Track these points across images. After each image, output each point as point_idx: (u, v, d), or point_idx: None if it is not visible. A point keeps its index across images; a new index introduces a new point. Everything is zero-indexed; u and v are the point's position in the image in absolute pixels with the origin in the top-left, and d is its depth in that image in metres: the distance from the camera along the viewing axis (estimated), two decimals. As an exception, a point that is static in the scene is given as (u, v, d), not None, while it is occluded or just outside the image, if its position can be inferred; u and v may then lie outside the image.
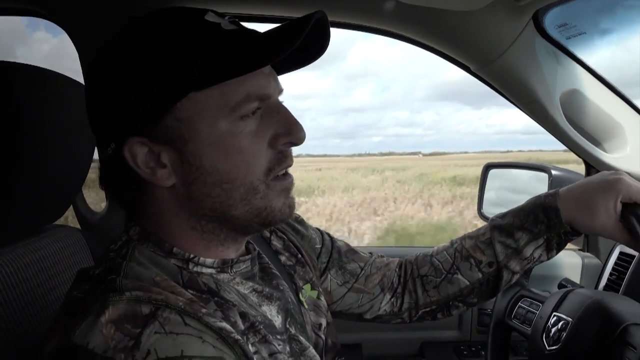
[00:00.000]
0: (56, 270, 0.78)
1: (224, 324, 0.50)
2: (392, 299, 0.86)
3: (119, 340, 0.44)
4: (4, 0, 1.06)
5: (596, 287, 1.35)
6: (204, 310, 0.50)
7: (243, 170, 0.55)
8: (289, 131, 0.57)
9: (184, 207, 0.57)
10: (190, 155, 0.54)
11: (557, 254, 0.80)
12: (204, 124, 0.53)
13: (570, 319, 0.89)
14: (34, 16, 1.08)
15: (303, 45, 0.56)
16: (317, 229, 0.86)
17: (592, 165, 1.28)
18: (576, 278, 1.41)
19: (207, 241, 0.59)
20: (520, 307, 1.08)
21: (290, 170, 0.61)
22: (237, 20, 0.57)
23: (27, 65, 0.70)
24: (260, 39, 0.54)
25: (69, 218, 1.12)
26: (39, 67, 0.72)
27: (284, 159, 0.58)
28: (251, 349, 0.52)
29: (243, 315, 0.56)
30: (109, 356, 0.43)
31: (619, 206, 0.72)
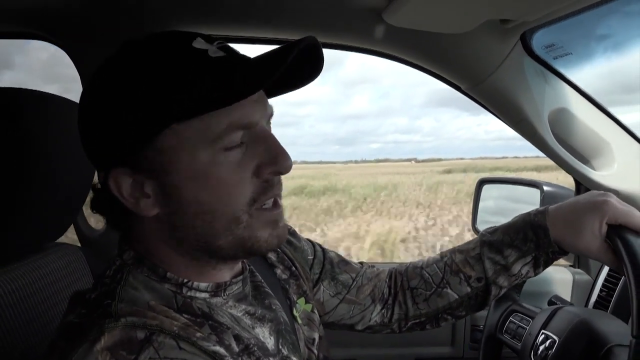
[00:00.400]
0: (56, 288, 0.79)
1: (218, 348, 0.51)
2: (383, 310, 0.87)
3: None
4: (3, 24, 1.08)
5: (587, 303, 1.36)
6: (198, 334, 0.51)
7: (224, 201, 0.54)
8: (275, 161, 0.55)
9: (171, 236, 0.57)
10: (171, 186, 0.54)
11: (543, 270, 0.81)
12: (185, 155, 0.52)
13: (557, 338, 0.91)
14: (35, 39, 1.09)
15: (296, 68, 0.57)
16: (308, 240, 0.87)
17: (581, 183, 1.30)
18: (567, 294, 1.43)
19: (199, 267, 0.59)
20: (511, 321, 1.09)
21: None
22: (226, 45, 0.56)
23: (32, 90, 0.73)
24: (243, 68, 0.53)
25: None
26: (43, 92, 0.75)
27: (270, 188, 0.56)
28: None
29: (237, 338, 0.56)
30: None
31: (604, 227, 0.73)
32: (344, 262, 0.88)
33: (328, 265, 0.85)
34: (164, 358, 0.46)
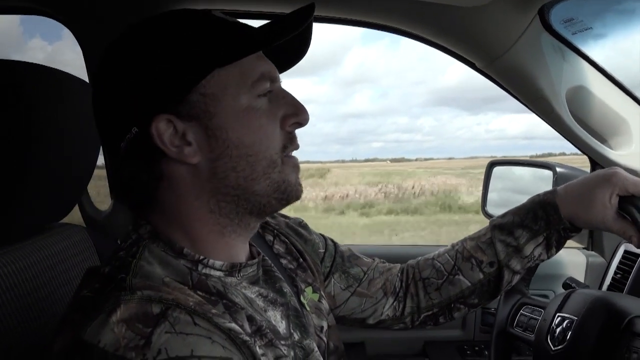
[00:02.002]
0: (61, 268, 0.78)
1: (233, 325, 0.50)
2: (395, 303, 0.86)
3: (130, 339, 0.44)
4: None
5: (600, 286, 1.34)
6: (213, 311, 0.50)
7: (265, 144, 0.58)
8: (296, 112, 0.61)
9: (205, 187, 0.58)
10: (217, 129, 0.56)
11: (556, 252, 0.81)
12: (227, 99, 0.56)
13: (575, 317, 0.89)
14: (38, 14, 1.07)
15: (285, 46, 0.61)
16: (320, 234, 0.87)
17: (597, 162, 1.27)
18: (581, 277, 1.41)
19: (221, 227, 0.60)
20: (522, 314, 1.08)
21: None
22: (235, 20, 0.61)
23: (33, 64, 0.70)
24: (265, 26, 0.58)
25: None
26: (46, 65, 0.72)
27: (293, 139, 0.62)
28: (258, 351, 0.52)
29: (250, 319, 0.56)
30: (120, 354, 0.43)
31: (616, 199, 0.74)
32: (355, 256, 0.88)
33: (339, 258, 0.85)
34: (179, 333, 0.46)
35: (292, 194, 0.62)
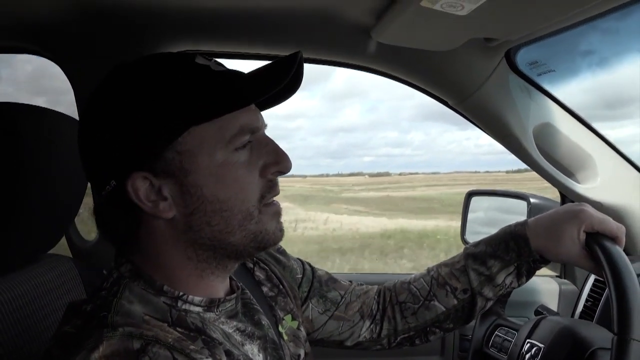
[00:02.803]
0: (49, 298, 0.80)
1: None
2: (372, 326, 0.88)
3: None
4: None
5: (573, 313, 1.38)
6: (192, 347, 0.52)
7: (240, 198, 0.58)
8: (278, 160, 0.61)
9: (181, 238, 0.59)
10: (192, 185, 0.57)
11: (527, 280, 0.84)
12: (203, 155, 0.56)
13: (542, 345, 0.93)
14: (28, 54, 1.11)
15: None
16: (298, 259, 0.89)
17: (566, 195, 1.33)
18: (554, 304, 1.45)
19: (200, 270, 0.61)
20: (497, 335, 1.11)
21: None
22: (221, 63, 0.62)
23: (24, 104, 0.74)
24: (248, 79, 0.59)
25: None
26: (38, 106, 0.76)
27: (273, 187, 0.62)
28: None
29: (228, 354, 0.57)
30: None
31: (583, 235, 0.77)
32: (333, 280, 0.90)
33: (317, 283, 0.87)
34: None
35: (270, 241, 0.62)
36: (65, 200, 0.83)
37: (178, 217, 0.58)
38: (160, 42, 1.08)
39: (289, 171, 0.63)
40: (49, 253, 0.87)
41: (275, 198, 0.63)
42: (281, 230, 0.64)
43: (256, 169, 0.60)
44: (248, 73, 0.60)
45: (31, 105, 0.76)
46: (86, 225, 1.30)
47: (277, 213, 0.63)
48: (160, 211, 0.57)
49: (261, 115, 0.63)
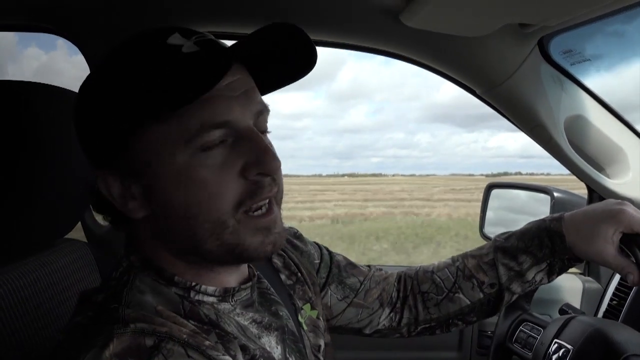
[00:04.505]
0: (65, 284, 0.79)
1: (227, 357, 0.50)
2: (392, 314, 0.86)
3: None
4: (12, 17, 1.07)
5: (596, 312, 1.34)
6: (207, 343, 0.50)
7: (206, 205, 0.52)
8: (259, 160, 0.53)
9: (162, 238, 0.57)
10: (154, 188, 0.53)
11: (556, 277, 0.81)
12: (163, 156, 0.52)
13: (571, 347, 0.89)
14: (43, 32, 1.08)
15: (287, 61, 0.58)
16: (315, 243, 0.85)
17: (594, 190, 1.28)
18: (576, 302, 1.41)
19: (200, 270, 0.58)
20: (521, 331, 1.08)
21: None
22: (207, 39, 0.53)
23: (38, 83, 0.72)
24: (206, 63, 0.50)
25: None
26: (53, 85, 0.74)
27: (259, 190, 0.54)
28: None
29: (244, 348, 0.55)
30: None
31: (618, 236, 0.73)
32: (352, 266, 0.86)
33: (335, 269, 0.84)
34: None
35: (252, 257, 0.56)
36: (81, 183, 0.81)
37: (150, 218, 0.55)
38: (181, 21, 1.05)
39: (274, 173, 0.54)
40: (64, 238, 0.85)
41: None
42: (274, 244, 0.56)
43: (234, 170, 0.52)
44: (219, 52, 0.52)
45: (49, 85, 0.73)
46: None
47: (265, 228, 0.55)
48: (129, 210, 0.55)
49: (247, 103, 0.54)
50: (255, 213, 0.55)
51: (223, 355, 0.50)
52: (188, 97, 0.48)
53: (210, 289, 0.58)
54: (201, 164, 0.51)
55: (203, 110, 0.50)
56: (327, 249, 0.86)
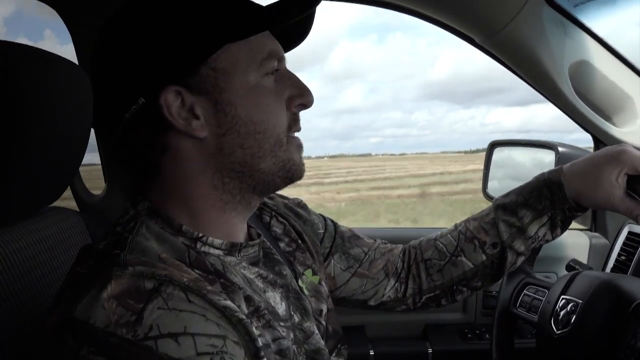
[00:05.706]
0: (55, 252, 0.77)
1: (229, 302, 0.49)
2: (396, 285, 0.85)
3: (120, 315, 0.43)
4: None
5: (604, 267, 1.32)
6: (209, 288, 0.49)
7: (272, 122, 0.58)
8: (302, 93, 0.61)
9: (210, 162, 0.57)
10: (226, 104, 0.56)
11: (562, 233, 0.79)
12: (237, 75, 0.56)
13: (580, 301, 0.87)
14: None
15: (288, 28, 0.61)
16: (320, 214, 0.85)
17: (601, 140, 1.24)
18: (584, 259, 1.39)
19: (223, 203, 0.59)
20: (525, 294, 1.06)
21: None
22: None
23: (21, 44, 0.68)
24: (278, 3, 0.57)
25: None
26: (36, 47, 0.70)
27: (297, 120, 0.62)
28: (255, 332, 0.51)
29: (248, 299, 0.55)
30: (110, 331, 0.42)
31: (623, 178, 0.72)
32: (356, 237, 0.86)
33: (339, 239, 0.84)
34: (172, 309, 0.45)
35: (297, 173, 0.62)
36: (68, 148, 0.78)
37: (209, 139, 0.56)
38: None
39: (311, 105, 0.63)
40: (53, 206, 0.83)
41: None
42: (303, 164, 0.63)
43: (283, 99, 0.60)
44: (275, 2, 0.58)
45: (32, 46, 0.69)
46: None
47: (300, 146, 0.63)
48: (192, 129, 0.55)
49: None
50: (296, 134, 0.63)
51: (224, 300, 0.49)
52: (278, 22, 0.56)
53: (217, 241, 0.58)
54: (265, 86, 0.58)
55: (270, 42, 0.58)
56: (332, 220, 0.86)
